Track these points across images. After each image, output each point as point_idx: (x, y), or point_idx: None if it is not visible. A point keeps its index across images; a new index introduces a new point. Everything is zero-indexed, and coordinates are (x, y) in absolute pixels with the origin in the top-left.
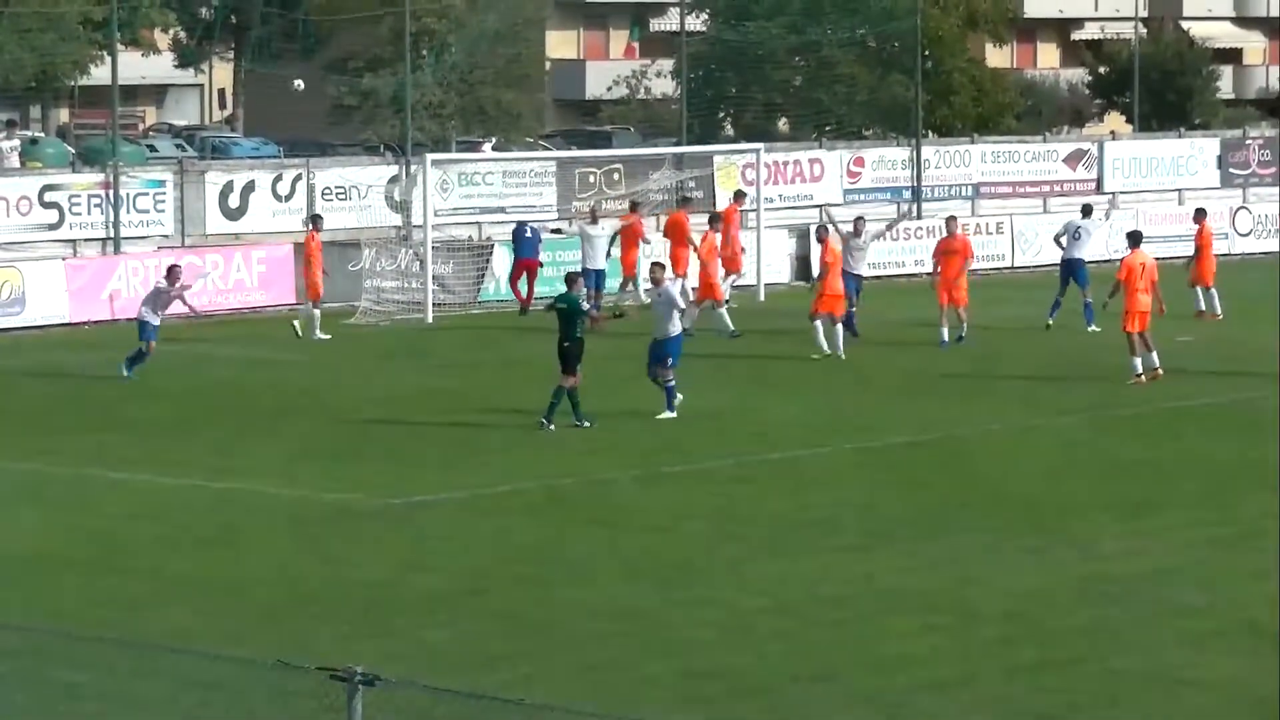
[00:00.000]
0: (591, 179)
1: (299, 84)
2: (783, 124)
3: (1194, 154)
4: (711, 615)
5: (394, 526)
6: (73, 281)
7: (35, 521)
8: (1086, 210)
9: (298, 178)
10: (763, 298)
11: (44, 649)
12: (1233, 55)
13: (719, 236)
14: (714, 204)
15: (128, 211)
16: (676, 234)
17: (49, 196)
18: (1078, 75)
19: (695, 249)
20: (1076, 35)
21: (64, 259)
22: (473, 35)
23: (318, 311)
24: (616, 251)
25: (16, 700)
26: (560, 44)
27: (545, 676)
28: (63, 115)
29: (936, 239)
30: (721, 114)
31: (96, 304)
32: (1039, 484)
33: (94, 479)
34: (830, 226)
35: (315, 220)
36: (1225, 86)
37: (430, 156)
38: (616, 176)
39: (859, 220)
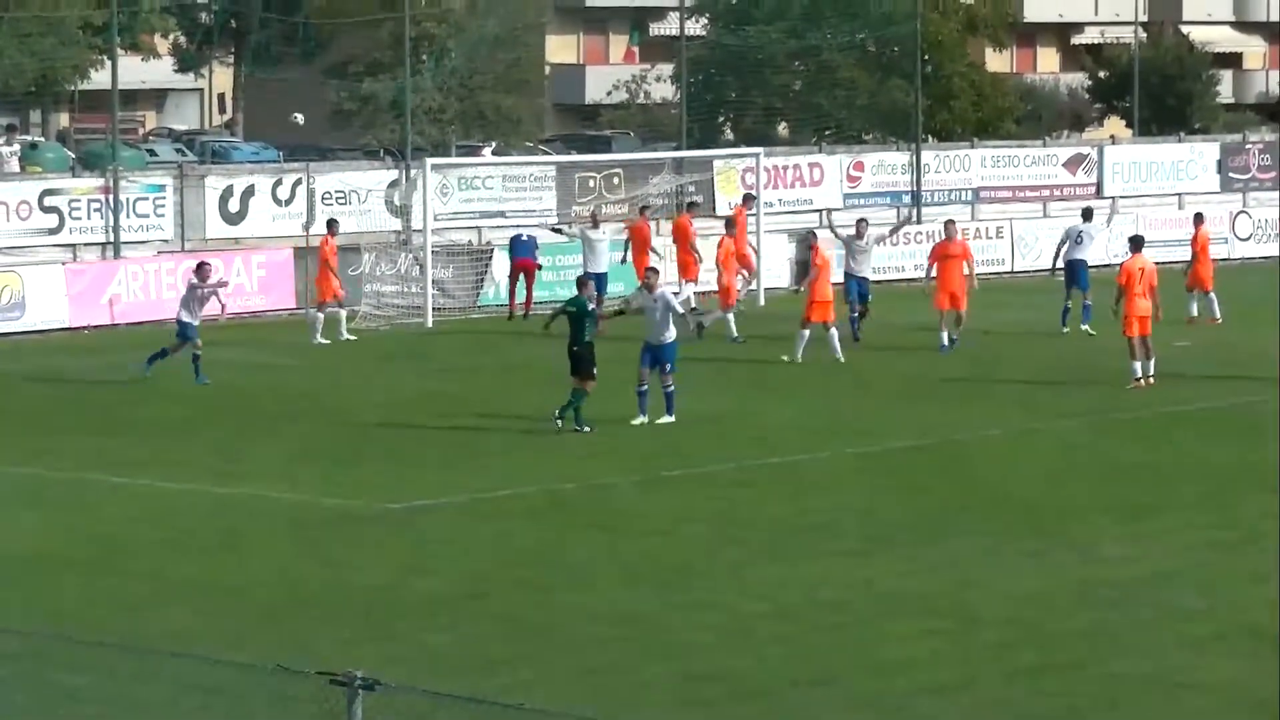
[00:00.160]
0: (591, 183)
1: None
2: (782, 128)
3: (1194, 158)
4: (711, 619)
5: (394, 530)
6: (72, 286)
7: (35, 524)
8: (1087, 214)
9: (297, 182)
10: (763, 302)
11: (44, 652)
12: (1233, 60)
13: (732, 242)
14: (714, 209)
15: (127, 216)
16: (681, 239)
17: (49, 201)
18: (1077, 80)
19: (698, 255)
20: (1076, 40)
21: (64, 263)
22: (473, 40)
23: (322, 316)
24: (628, 256)
25: (17, 703)
26: (560, 48)
27: (545, 680)
28: (63, 120)
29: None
30: (721, 118)
31: (96, 308)
32: (1039, 488)
33: (94, 482)
34: (829, 229)
35: (330, 225)
36: (1225, 91)
37: (430, 161)
38: (616, 181)
39: (861, 222)
